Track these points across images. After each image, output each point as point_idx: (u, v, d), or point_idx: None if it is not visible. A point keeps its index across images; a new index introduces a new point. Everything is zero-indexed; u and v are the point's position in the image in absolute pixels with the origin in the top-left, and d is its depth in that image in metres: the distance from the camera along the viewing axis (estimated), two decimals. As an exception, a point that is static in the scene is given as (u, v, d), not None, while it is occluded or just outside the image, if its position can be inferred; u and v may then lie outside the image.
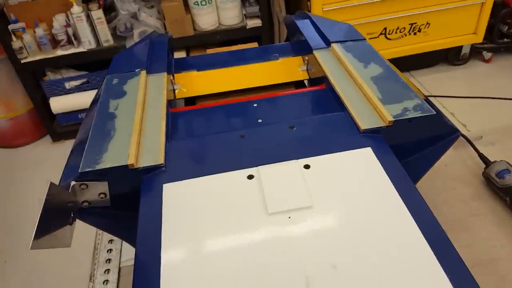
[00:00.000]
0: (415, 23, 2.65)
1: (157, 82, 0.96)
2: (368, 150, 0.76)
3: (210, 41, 2.55)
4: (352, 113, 0.83)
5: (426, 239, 0.61)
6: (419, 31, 2.69)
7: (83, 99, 2.55)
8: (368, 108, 0.84)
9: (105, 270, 1.33)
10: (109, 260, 1.36)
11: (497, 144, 1.95)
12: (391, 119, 0.78)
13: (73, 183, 0.71)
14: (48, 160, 2.51)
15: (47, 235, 0.62)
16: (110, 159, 0.73)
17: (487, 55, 2.97)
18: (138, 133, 0.80)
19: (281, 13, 2.53)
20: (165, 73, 0.99)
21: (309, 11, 2.42)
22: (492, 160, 1.73)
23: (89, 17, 2.39)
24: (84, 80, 2.56)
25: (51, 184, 0.67)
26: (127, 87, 0.92)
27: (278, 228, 0.64)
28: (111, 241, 1.47)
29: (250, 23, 2.53)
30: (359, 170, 0.74)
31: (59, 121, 2.60)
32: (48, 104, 2.54)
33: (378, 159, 0.75)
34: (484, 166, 1.74)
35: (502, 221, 1.50)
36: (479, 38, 2.76)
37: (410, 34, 2.69)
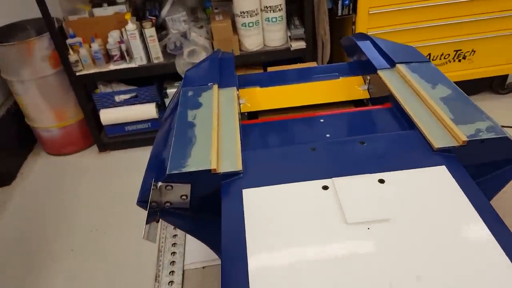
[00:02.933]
0: (460, 50, 2.64)
1: (228, 95, 1.01)
2: (443, 169, 0.78)
3: (255, 61, 2.63)
4: (424, 132, 0.85)
5: (506, 254, 0.62)
6: (464, 58, 2.68)
7: (131, 112, 2.66)
8: (440, 128, 0.85)
9: (170, 272, 1.36)
10: (173, 263, 1.41)
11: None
12: (465, 138, 0.79)
13: (160, 183, 0.75)
14: (94, 169, 2.61)
15: (147, 226, 0.67)
16: (194, 164, 0.77)
17: (533, 85, 2.90)
18: (217, 141, 0.84)
19: (325, 36, 2.59)
20: (235, 88, 1.04)
21: (353, 30, 2.45)
22: None
23: (142, 35, 2.51)
24: (133, 94, 2.67)
25: (153, 183, 0.72)
26: (202, 99, 0.97)
27: (358, 239, 0.66)
28: (174, 244, 1.52)
29: (295, 45, 2.59)
30: (435, 187, 0.75)
31: (106, 132, 2.70)
32: (97, 116, 2.65)
33: (453, 177, 0.76)
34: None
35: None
36: (525, 67, 2.71)
37: (454, 60, 2.67)
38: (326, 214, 0.71)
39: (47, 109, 2.60)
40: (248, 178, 0.79)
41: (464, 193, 0.73)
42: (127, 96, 2.67)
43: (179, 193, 0.77)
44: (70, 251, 2.04)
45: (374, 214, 0.69)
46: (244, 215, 0.71)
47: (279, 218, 0.71)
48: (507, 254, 0.62)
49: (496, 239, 0.64)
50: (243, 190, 0.76)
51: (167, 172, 0.75)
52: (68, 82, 2.56)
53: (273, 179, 0.79)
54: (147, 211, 0.69)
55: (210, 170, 0.76)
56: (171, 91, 2.67)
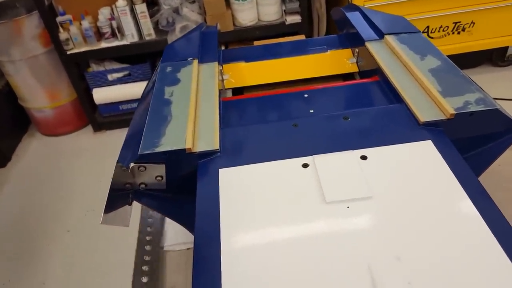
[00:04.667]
0: (459, 22, 2.57)
1: (209, 71, 0.97)
2: (429, 143, 0.74)
3: (249, 37, 2.56)
4: (410, 105, 0.81)
5: (492, 232, 0.59)
6: (463, 30, 2.61)
7: (125, 90, 2.63)
8: (427, 101, 0.81)
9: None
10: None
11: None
12: (453, 112, 0.76)
13: (132, 164, 0.72)
14: (89, 149, 2.60)
15: (112, 213, 0.64)
16: (168, 143, 0.74)
17: (534, 56, 2.84)
18: (193, 119, 0.81)
19: (321, 9, 2.51)
20: (217, 63, 1.00)
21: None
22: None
23: (133, 11, 2.45)
24: (126, 72, 2.62)
25: (117, 165, 0.69)
26: (181, 75, 0.93)
27: (336, 218, 0.64)
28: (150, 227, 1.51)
29: (290, 19, 2.52)
30: (420, 162, 0.72)
31: (100, 111, 2.68)
32: (91, 95, 2.62)
33: (439, 152, 0.72)
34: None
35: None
36: (526, 39, 2.64)
37: (453, 33, 2.61)
38: (304, 193, 0.68)
39: (39, 89, 2.57)
40: (226, 157, 0.76)
41: (451, 168, 0.70)
42: (120, 75, 2.63)
43: (154, 174, 0.75)
44: (66, 232, 2.04)
45: (354, 192, 0.67)
46: (219, 196, 0.69)
47: (256, 198, 0.68)
48: (493, 232, 0.60)
49: (483, 217, 0.62)
50: (219, 169, 0.73)
51: (139, 152, 0.72)
52: (60, 61, 2.52)
53: (252, 158, 0.76)
54: (107, 195, 0.65)
55: (184, 149, 0.73)
56: (164, 68, 2.62)
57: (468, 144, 0.84)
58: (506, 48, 2.75)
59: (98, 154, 2.58)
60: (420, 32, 1.01)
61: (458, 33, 2.59)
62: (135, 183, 0.75)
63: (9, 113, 2.74)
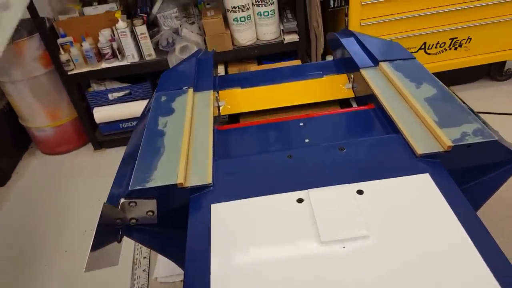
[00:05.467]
0: (456, 37, 2.58)
1: (204, 99, 0.96)
2: (426, 177, 0.73)
3: (248, 56, 2.58)
4: (407, 136, 0.79)
5: (492, 272, 0.57)
6: (460, 46, 2.61)
7: (125, 109, 2.64)
8: (423, 131, 0.80)
9: (142, 285, 1.33)
10: (146, 274, 1.37)
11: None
12: (450, 144, 0.74)
13: (122, 200, 0.71)
14: (89, 167, 2.59)
15: (99, 251, 0.63)
16: (159, 178, 0.73)
17: (531, 70, 2.84)
18: (186, 152, 0.80)
19: (318, 28, 2.52)
20: (212, 91, 0.99)
21: (347, 26, 2.40)
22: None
23: (133, 32, 2.47)
24: (126, 91, 2.64)
25: (104, 205, 0.68)
26: (176, 104, 0.92)
27: (332, 259, 0.62)
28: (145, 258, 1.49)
29: (288, 38, 2.54)
30: (417, 197, 0.70)
31: (101, 130, 2.68)
32: (91, 114, 2.63)
33: (437, 186, 0.71)
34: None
35: None
36: (523, 53, 2.64)
37: (450, 49, 2.61)
38: (299, 230, 0.67)
39: (40, 109, 2.58)
40: (218, 191, 0.75)
41: (449, 203, 0.68)
42: (120, 94, 2.64)
43: (145, 209, 0.73)
44: (64, 252, 2.02)
45: (350, 231, 0.65)
46: (211, 233, 0.67)
47: (248, 235, 0.67)
48: (493, 273, 0.57)
49: (482, 256, 0.60)
50: (212, 205, 0.72)
51: (129, 188, 0.71)
52: (61, 81, 2.53)
53: (245, 192, 0.74)
54: (93, 234, 0.63)
55: (176, 184, 0.72)
56: (164, 88, 2.63)
57: (467, 174, 0.82)
58: (504, 62, 2.75)
59: (98, 173, 2.57)
60: (415, 58, 1.00)
61: (455, 48, 2.59)
62: (125, 218, 0.74)
63: (9, 132, 2.75)
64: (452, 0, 2.34)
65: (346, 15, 2.31)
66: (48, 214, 2.25)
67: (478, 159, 0.79)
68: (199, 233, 0.68)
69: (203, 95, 0.98)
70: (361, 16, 2.31)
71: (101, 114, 2.63)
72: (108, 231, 0.70)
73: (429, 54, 2.58)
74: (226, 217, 0.70)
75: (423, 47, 2.53)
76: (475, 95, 2.66)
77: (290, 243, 0.65)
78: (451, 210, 0.67)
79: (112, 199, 0.77)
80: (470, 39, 2.54)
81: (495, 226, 1.45)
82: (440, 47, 2.56)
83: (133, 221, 0.75)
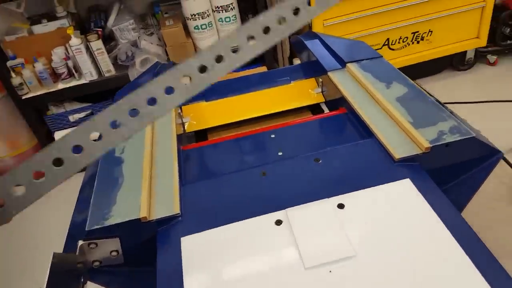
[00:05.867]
0: (418, 31, 2.61)
1: (164, 117, 0.89)
2: (407, 182, 0.69)
3: (213, 64, 2.51)
4: (383, 141, 0.75)
5: (484, 277, 0.53)
6: (422, 39, 2.65)
7: (88, 131, 2.50)
8: (399, 134, 0.76)
9: None
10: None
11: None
12: (428, 145, 0.70)
13: (80, 243, 0.63)
14: (57, 195, 2.44)
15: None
16: (119, 213, 0.65)
17: (492, 58, 2.93)
18: (149, 179, 0.72)
19: (283, 30, 2.48)
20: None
21: (310, 27, 2.38)
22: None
23: (88, 49, 2.35)
24: (88, 112, 2.51)
25: (54, 254, 0.60)
26: (134, 126, 0.85)
27: (318, 285, 0.56)
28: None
29: (252, 43, 2.48)
30: (400, 205, 0.66)
31: (64, 155, 2.55)
32: (53, 139, 2.49)
33: (419, 191, 0.67)
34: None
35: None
36: (482, 42, 2.72)
37: (413, 43, 2.65)
38: (280, 257, 0.61)
39: (-4, 139, 2.42)
40: (188, 221, 0.68)
41: (433, 208, 0.65)
42: (81, 115, 2.52)
43: (107, 249, 0.65)
44: (36, 290, 1.89)
45: (335, 253, 0.60)
46: (183, 269, 0.60)
47: (225, 268, 0.60)
48: (484, 276, 0.54)
49: (473, 262, 0.56)
50: (182, 238, 0.65)
51: (86, 228, 0.63)
52: (16, 107, 2.38)
53: (219, 219, 0.68)
54: (46, 280, 0.55)
55: (139, 219, 0.64)
56: (127, 104, 2.53)
57: (447, 173, 0.79)
58: (465, 52, 2.81)
59: (67, 199, 2.43)
60: (382, 57, 0.97)
61: (418, 42, 2.63)
62: (87, 261, 0.66)
63: (-35, 165, 2.56)
64: (411, -6, 2.36)
65: (308, 15, 2.29)
66: (16, 247, 2.11)
67: (457, 157, 0.76)
68: (170, 271, 0.61)
69: (164, 114, 0.90)
70: (324, 16, 2.30)
71: (63, 137, 2.49)
72: (67, 279, 0.62)
73: (393, 49, 2.60)
74: (198, 250, 0.63)
75: (386, 43, 2.56)
76: (440, 86, 2.70)
77: (272, 273, 0.59)
78: (435, 215, 0.64)
79: (71, 241, 0.69)
80: (431, 32, 2.59)
81: (478, 221, 1.44)
82: (403, 42, 2.59)
83: (96, 263, 0.67)
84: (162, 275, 0.60)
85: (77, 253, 0.63)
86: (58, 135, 2.51)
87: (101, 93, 2.54)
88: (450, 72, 2.87)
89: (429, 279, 0.55)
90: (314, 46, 1.07)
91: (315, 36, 1.12)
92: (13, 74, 2.27)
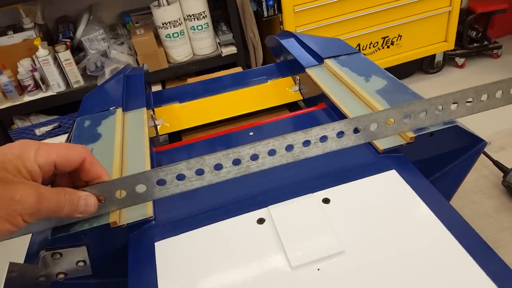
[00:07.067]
0: (387, 36, 2.67)
1: (136, 119, 0.84)
2: (393, 173, 0.66)
3: (186, 72, 2.47)
4: (365, 133, 0.72)
5: (477, 263, 0.51)
6: (392, 44, 2.71)
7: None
8: (382, 125, 0.74)
9: None
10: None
11: (508, 148, 1.87)
12: (412, 135, 0.68)
13: (43, 253, 0.57)
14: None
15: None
16: (86, 219, 0.59)
17: (460, 60, 3.02)
18: (120, 181, 0.66)
19: (255, 38, 2.48)
20: (145, 108, 0.87)
21: (284, 33, 2.38)
22: (509, 167, 1.63)
23: (56, 59, 2.27)
24: (55, 124, 2.41)
25: (10, 263, 0.53)
26: (102, 128, 0.79)
27: (306, 286, 0.52)
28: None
29: (225, 50, 2.47)
30: (388, 197, 0.63)
31: (31, 171, 2.42)
32: (18, 155, 2.37)
33: (405, 181, 0.64)
34: (502, 174, 1.63)
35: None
36: (450, 45, 2.80)
37: (383, 47, 2.70)
38: (265, 258, 0.56)
39: (-45, 157, 2.28)
40: (162, 224, 0.63)
41: (421, 198, 0.62)
42: (49, 128, 2.41)
43: (73, 259, 0.59)
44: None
45: (322, 249, 0.56)
46: (157, 278, 0.55)
47: (206, 274, 0.55)
48: (477, 262, 0.51)
49: (465, 249, 0.53)
50: (156, 243, 0.59)
51: (49, 237, 0.56)
52: (-23, 122, 2.26)
53: (195, 221, 0.63)
54: None
55: (109, 224, 0.59)
56: (98, 116, 2.44)
57: (431, 165, 0.77)
58: (434, 56, 2.88)
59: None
60: (359, 52, 0.95)
61: (388, 47, 2.68)
62: (50, 274, 0.59)
63: None
64: (381, 0, 2.41)
65: (281, 23, 2.30)
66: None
67: (441, 147, 0.74)
68: (143, 279, 0.55)
69: (135, 115, 0.85)
70: (296, 23, 2.31)
71: (30, 152, 2.37)
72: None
73: (364, 54, 2.65)
74: (174, 255, 0.58)
75: (357, 48, 2.59)
76: (412, 89, 2.76)
77: (257, 275, 0.54)
78: (424, 204, 0.61)
79: (33, 251, 0.62)
80: (401, 36, 2.64)
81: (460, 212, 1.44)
82: (373, 47, 2.63)
83: (61, 276, 0.60)
84: (134, 285, 0.55)
85: (39, 265, 0.57)
86: (24, 150, 2.39)
87: (69, 105, 2.45)
88: (420, 76, 2.93)
89: (422, 269, 0.52)
90: (290, 44, 1.05)
91: (291, 35, 1.10)
92: (-26, 87, 2.16)
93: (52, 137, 2.39)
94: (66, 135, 2.43)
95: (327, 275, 0.53)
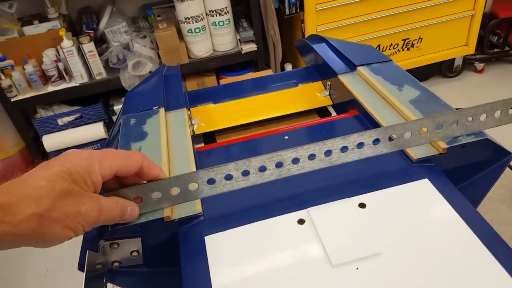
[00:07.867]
0: (408, 38, 2.67)
1: (178, 119, 0.89)
2: (426, 182, 0.70)
3: (205, 68, 2.51)
4: (399, 142, 0.77)
5: (505, 270, 0.55)
6: (412, 46, 2.71)
7: (77, 135, 2.46)
8: (415, 135, 0.77)
9: None
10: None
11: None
12: (445, 146, 0.72)
13: (103, 242, 0.62)
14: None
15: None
16: (143, 213, 0.64)
17: (479, 65, 3.01)
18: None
19: (275, 36, 2.51)
20: (185, 109, 0.92)
21: (303, 33, 2.41)
22: (531, 176, 1.65)
23: (80, 51, 2.32)
24: (77, 115, 2.47)
25: (89, 252, 0.59)
26: (147, 127, 0.84)
27: (347, 283, 0.57)
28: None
29: (245, 47, 2.50)
30: (421, 204, 0.67)
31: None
32: (41, 142, 2.43)
33: (438, 190, 0.68)
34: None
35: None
36: (470, 50, 2.80)
37: (403, 49, 2.70)
38: (306, 255, 0.61)
39: (-19, 142, 2.35)
40: (210, 220, 0.67)
41: (452, 207, 0.66)
42: (71, 118, 2.47)
43: (128, 249, 0.64)
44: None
45: (361, 250, 0.60)
46: (209, 269, 0.60)
47: (253, 266, 0.60)
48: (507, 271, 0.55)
49: (496, 258, 0.57)
50: (205, 237, 0.64)
51: (109, 228, 0.61)
52: (3, 109, 2.32)
53: (240, 218, 0.68)
54: (83, 281, 0.55)
55: (163, 218, 0.64)
56: (118, 107, 2.50)
57: (460, 174, 0.81)
58: (453, 59, 2.89)
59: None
60: (391, 60, 0.98)
61: (408, 49, 2.69)
62: (107, 262, 0.64)
63: None
64: (403, 2, 2.42)
65: (302, 21, 2.32)
66: (4, 254, 2.04)
67: (470, 158, 0.78)
68: (196, 270, 0.60)
69: (176, 114, 0.90)
70: (317, 22, 2.33)
71: (52, 141, 2.44)
72: (94, 276, 0.60)
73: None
74: (223, 249, 0.63)
75: (377, 49, 2.61)
76: (429, 92, 2.77)
77: (300, 270, 0.59)
78: (456, 213, 0.65)
79: (89, 241, 0.67)
80: (422, 39, 2.65)
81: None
82: (393, 48, 2.64)
83: (116, 264, 0.65)
84: (188, 275, 0.60)
85: (99, 253, 0.62)
86: (46, 138, 2.45)
87: (91, 96, 2.50)
88: (438, 79, 2.94)
89: (453, 274, 0.56)
90: (321, 49, 1.09)
91: (322, 39, 1.13)
92: (2, 76, 2.22)
93: (74, 127, 2.45)
94: (86, 126, 2.49)
95: (365, 274, 0.57)
